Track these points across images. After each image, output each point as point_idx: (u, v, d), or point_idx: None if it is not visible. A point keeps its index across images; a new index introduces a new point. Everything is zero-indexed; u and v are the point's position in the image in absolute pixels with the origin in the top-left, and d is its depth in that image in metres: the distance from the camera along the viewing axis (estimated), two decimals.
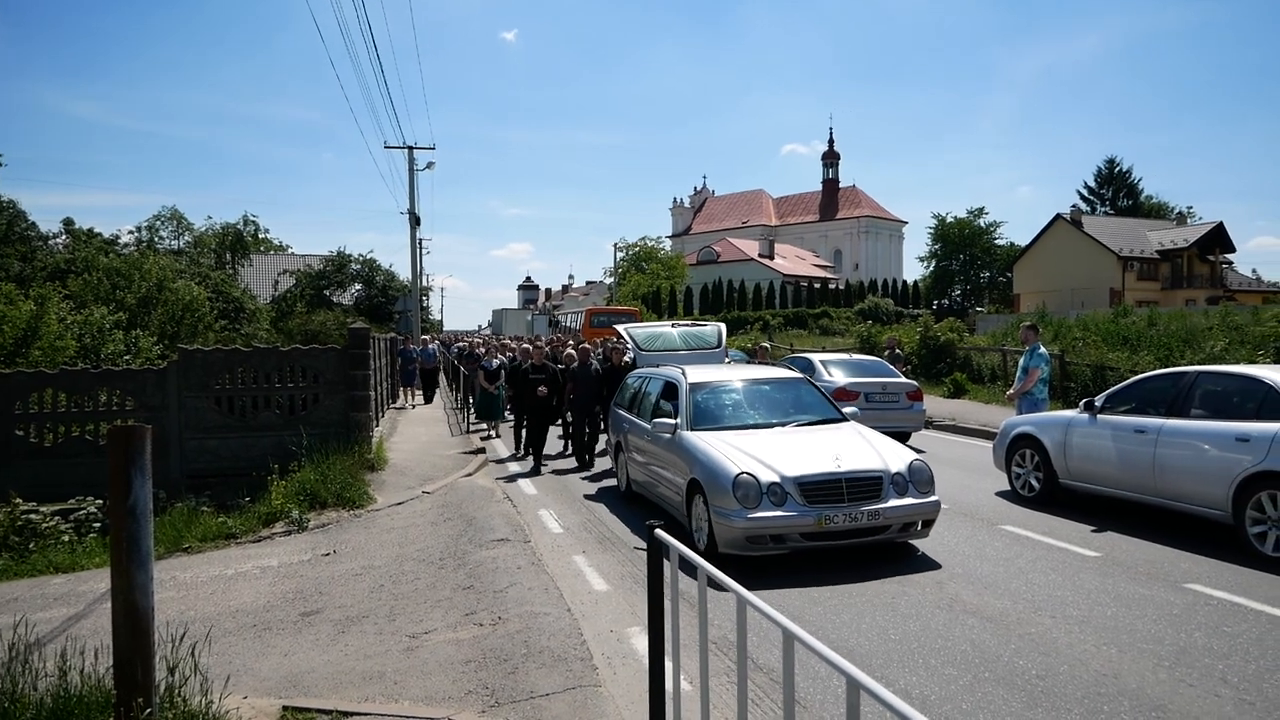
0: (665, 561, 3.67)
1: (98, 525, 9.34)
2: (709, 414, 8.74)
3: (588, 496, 10.86)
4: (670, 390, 9.45)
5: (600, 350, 16.12)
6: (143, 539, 3.93)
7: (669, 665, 3.70)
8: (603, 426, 13.16)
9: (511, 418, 15.59)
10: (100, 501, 9.54)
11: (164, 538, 8.85)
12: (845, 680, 2.23)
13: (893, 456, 7.57)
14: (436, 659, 5.40)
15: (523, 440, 14.22)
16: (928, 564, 7.27)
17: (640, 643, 5.47)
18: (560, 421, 14.75)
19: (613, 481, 11.36)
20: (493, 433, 17.13)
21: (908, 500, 7.22)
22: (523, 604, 6.33)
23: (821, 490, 7.08)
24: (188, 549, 8.85)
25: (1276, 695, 4.56)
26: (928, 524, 7.43)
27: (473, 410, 18.74)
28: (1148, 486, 8.23)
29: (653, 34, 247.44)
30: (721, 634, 5.54)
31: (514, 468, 13.35)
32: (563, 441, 14.96)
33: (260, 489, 10.41)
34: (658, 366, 11.05)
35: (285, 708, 4.59)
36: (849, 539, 7.11)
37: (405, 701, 4.78)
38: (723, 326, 14.73)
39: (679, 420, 8.60)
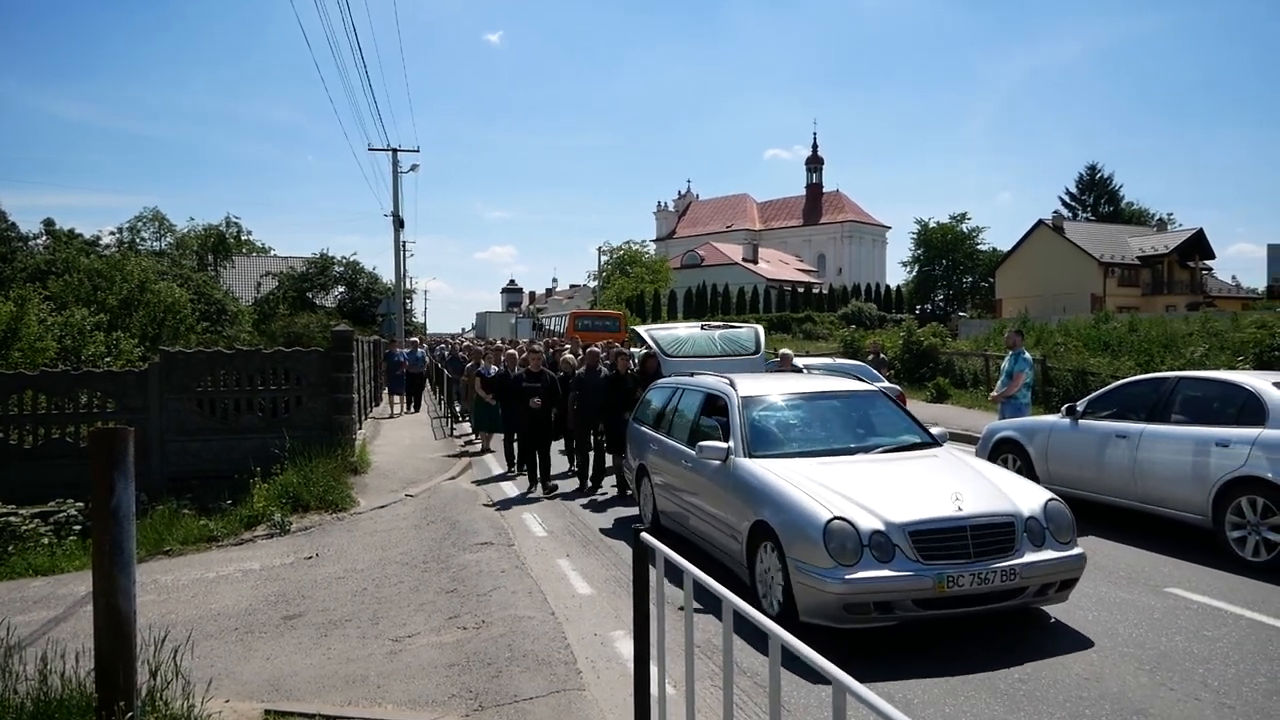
0: (651, 566, 3.67)
1: (78, 528, 9.26)
2: (770, 437, 7.12)
3: (604, 531, 9.20)
4: (714, 405, 7.85)
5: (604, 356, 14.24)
6: (125, 542, 3.91)
7: (654, 670, 3.70)
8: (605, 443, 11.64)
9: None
10: (81, 504, 9.46)
11: (145, 540, 8.79)
12: (832, 684, 2.24)
13: (1021, 495, 5.96)
14: (420, 662, 5.39)
15: (515, 457, 12.70)
16: None
17: (624, 647, 5.47)
18: (563, 436, 12.87)
19: (627, 510, 10.03)
20: (486, 445, 15.43)
21: (1046, 554, 5.59)
22: (506, 608, 6.32)
23: (941, 541, 5.46)
24: (169, 551, 8.79)
25: (1256, 699, 4.61)
26: (1067, 584, 5.77)
27: (464, 419, 18.36)
28: (1129, 491, 8.30)
29: (637, 38, 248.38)
30: (706, 638, 5.55)
31: (507, 488, 11.83)
32: (565, 457, 13.14)
33: (242, 491, 10.36)
34: (692, 375, 9.22)
35: (267, 711, 4.57)
36: (975, 606, 5.50)
37: (388, 705, 4.77)
38: (760, 329, 13.03)
39: (731, 444, 6.98)
